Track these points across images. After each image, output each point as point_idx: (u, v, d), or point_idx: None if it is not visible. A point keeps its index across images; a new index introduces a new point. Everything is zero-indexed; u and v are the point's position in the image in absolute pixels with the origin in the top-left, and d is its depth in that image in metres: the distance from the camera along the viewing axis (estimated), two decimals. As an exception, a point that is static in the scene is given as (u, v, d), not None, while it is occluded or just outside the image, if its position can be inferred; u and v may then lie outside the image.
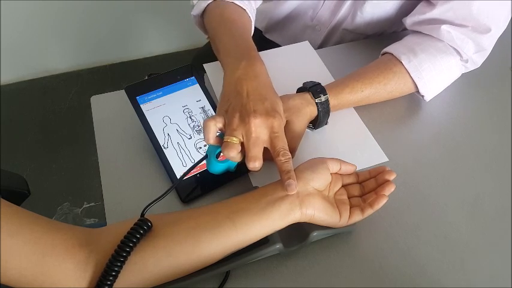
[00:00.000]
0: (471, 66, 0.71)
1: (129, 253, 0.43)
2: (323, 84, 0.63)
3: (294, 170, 0.51)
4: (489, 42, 0.68)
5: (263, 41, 0.96)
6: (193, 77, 0.66)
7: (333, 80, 0.71)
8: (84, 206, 1.48)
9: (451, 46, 0.68)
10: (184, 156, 0.60)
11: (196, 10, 0.73)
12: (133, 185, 0.60)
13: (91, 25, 1.77)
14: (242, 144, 0.52)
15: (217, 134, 0.54)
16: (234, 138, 0.51)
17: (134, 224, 0.44)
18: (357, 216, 0.52)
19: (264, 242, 0.49)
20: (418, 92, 0.69)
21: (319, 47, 0.90)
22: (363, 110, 0.70)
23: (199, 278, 0.48)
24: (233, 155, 0.52)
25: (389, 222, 0.57)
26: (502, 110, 0.73)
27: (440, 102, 0.72)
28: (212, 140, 0.53)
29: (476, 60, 0.70)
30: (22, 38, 1.72)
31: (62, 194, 1.50)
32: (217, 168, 0.55)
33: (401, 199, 0.59)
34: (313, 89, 0.62)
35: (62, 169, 1.57)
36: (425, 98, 0.69)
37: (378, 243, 0.55)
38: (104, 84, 1.85)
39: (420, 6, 0.71)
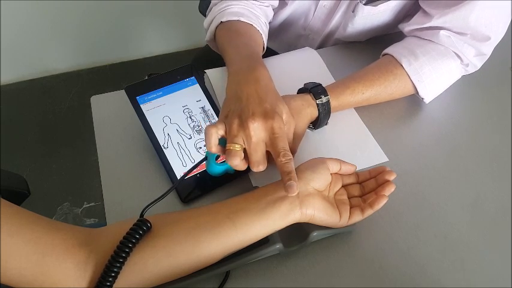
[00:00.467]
0: (471, 69, 0.71)
1: (128, 254, 0.43)
2: (324, 85, 0.63)
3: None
4: (489, 48, 0.68)
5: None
6: (193, 77, 0.66)
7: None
8: (84, 206, 1.48)
9: (451, 50, 0.68)
10: (184, 156, 0.60)
11: (208, 36, 0.76)
12: (133, 185, 0.60)
13: (91, 25, 1.77)
14: (245, 149, 0.52)
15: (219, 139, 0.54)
16: (236, 145, 0.51)
17: (133, 225, 0.44)
18: (357, 217, 0.52)
19: (264, 242, 0.49)
20: (418, 93, 0.69)
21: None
22: (363, 110, 0.70)
23: (199, 278, 0.48)
24: (237, 163, 0.52)
25: (389, 222, 0.57)
26: (502, 110, 0.73)
27: (441, 103, 0.72)
28: (214, 148, 0.53)
29: (476, 63, 0.70)
30: (22, 38, 1.72)
31: (62, 194, 1.50)
32: (217, 170, 0.55)
33: (401, 199, 0.59)
34: (314, 90, 0.62)
35: (62, 169, 1.57)
36: (425, 100, 0.69)
37: (378, 243, 0.55)
38: (104, 84, 1.85)
39: (417, 17, 0.70)
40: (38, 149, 1.63)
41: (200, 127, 0.63)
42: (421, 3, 0.70)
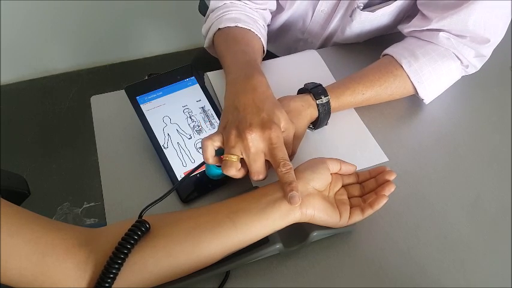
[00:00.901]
0: (471, 70, 0.71)
1: (126, 255, 0.43)
2: (324, 86, 0.63)
3: (294, 170, 0.51)
4: (488, 50, 0.68)
5: None
6: (193, 77, 0.66)
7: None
8: (84, 206, 1.48)
9: (451, 51, 0.68)
10: (184, 156, 0.60)
11: (207, 43, 0.75)
12: (133, 185, 0.60)
13: (91, 25, 1.77)
14: (243, 159, 0.52)
15: (216, 149, 0.54)
16: (233, 157, 0.52)
17: (131, 226, 0.44)
18: (357, 217, 0.52)
19: (264, 242, 0.49)
20: (418, 94, 0.69)
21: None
22: (363, 110, 0.70)
23: (199, 278, 0.48)
24: (233, 173, 0.52)
25: (389, 222, 0.57)
26: (502, 110, 0.73)
27: (441, 102, 0.72)
28: (211, 159, 0.53)
29: (476, 64, 0.70)
30: (22, 38, 1.72)
31: (62, 194, 1.50)
32: (216, 173, 0.55)
33: (402, 199, 0.59)
34: (314, 90, 0.62)
35: (62, 169, 1.57)
36: (424, 101, 0.69)
37: (378, 243, 0.55)
38: (104, 84, 1.85)
39: (416, 20, 0.70)
40: (38, 149, 1.63)
41: (200, 127, 0.63)
42: (420, 7, 0.69)
